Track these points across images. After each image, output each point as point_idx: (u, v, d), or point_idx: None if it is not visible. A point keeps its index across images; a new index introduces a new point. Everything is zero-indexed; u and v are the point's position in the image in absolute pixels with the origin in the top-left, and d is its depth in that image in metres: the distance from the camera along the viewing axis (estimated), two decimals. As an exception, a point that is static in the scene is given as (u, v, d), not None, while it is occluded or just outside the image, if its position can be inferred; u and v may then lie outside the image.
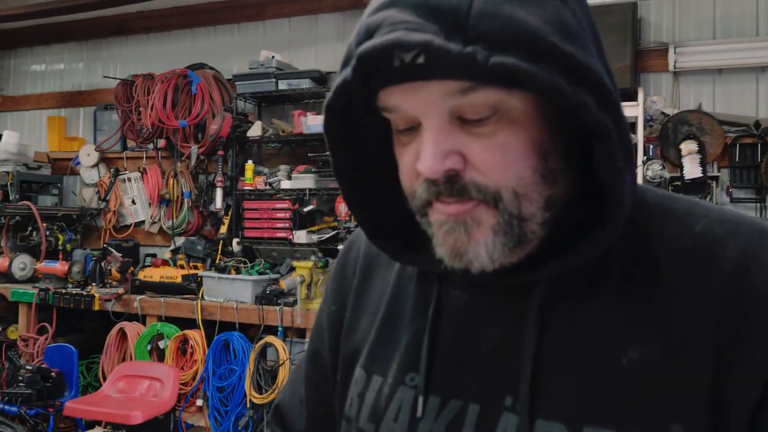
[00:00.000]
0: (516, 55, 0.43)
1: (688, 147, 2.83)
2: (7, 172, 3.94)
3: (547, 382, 0.51)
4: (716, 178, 2.88)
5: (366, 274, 0.68)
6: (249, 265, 3.27)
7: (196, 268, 3.41)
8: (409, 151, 0.51)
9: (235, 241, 3.46)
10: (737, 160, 2.89)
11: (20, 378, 3.23)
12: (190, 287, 3.25)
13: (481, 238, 0.49)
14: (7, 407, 3.17)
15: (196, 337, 3.13)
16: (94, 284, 3.49)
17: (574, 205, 0.53)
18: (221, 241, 3.53)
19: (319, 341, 0.73)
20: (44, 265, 3.70)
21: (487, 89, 0.46)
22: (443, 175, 0.48)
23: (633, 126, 2.87)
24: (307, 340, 2.66)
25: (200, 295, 3.22)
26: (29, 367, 3.27)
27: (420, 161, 0.48)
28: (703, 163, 2.80)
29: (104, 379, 3.27)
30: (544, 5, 0.46)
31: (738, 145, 2.87)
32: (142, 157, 4.02)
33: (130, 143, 4.06)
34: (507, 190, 0.48)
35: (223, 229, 3.57)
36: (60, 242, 3.84)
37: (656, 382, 0.48)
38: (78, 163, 4.10)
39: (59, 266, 3.65)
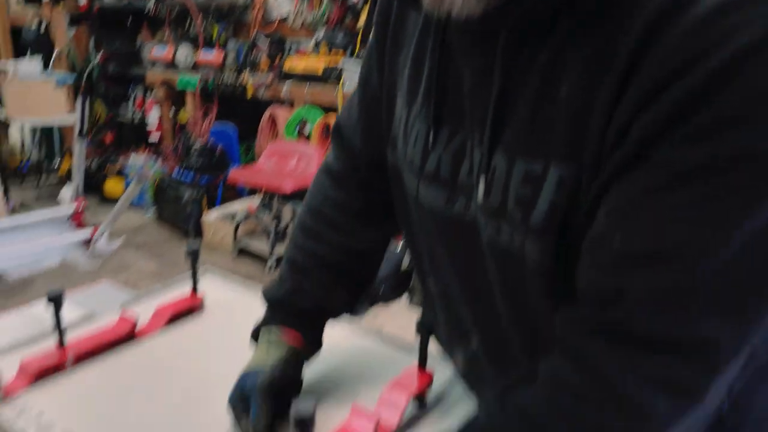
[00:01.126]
0: None
1: None
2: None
3: (504, 122, 0.56)
4: None
5: (403, 7, 0.71)
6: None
7: (337, 55, 3.52)
8: None
9: (373, 31, 3.48)
10: None
11: (193, 152, 3.73)
12: (331, 77, 3.40)
13: None
14: (183, 176, 3.72)
15: (338, 122, 3.34)
16: (246, 71, 3.76)
17: None
18: (360, 31, 3.56)
19: (369, 66, 0.79)
20: (202, 56, 4.02)
21: None
22: None
23: None
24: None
25: (341, 84, 3.36)
26: (199, 143, 3.75)
27: None
28: None
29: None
30: None
31: None
32: (284, -52, 4.01)
33: (272, -67, 4.04)
34: None
35: (362, 21, 3.58)
36: (214, 33, 4.11)
37: (575, 117, 0.50)
38: (225, -44, 4.20)
39: (215, 56, 3.95)
